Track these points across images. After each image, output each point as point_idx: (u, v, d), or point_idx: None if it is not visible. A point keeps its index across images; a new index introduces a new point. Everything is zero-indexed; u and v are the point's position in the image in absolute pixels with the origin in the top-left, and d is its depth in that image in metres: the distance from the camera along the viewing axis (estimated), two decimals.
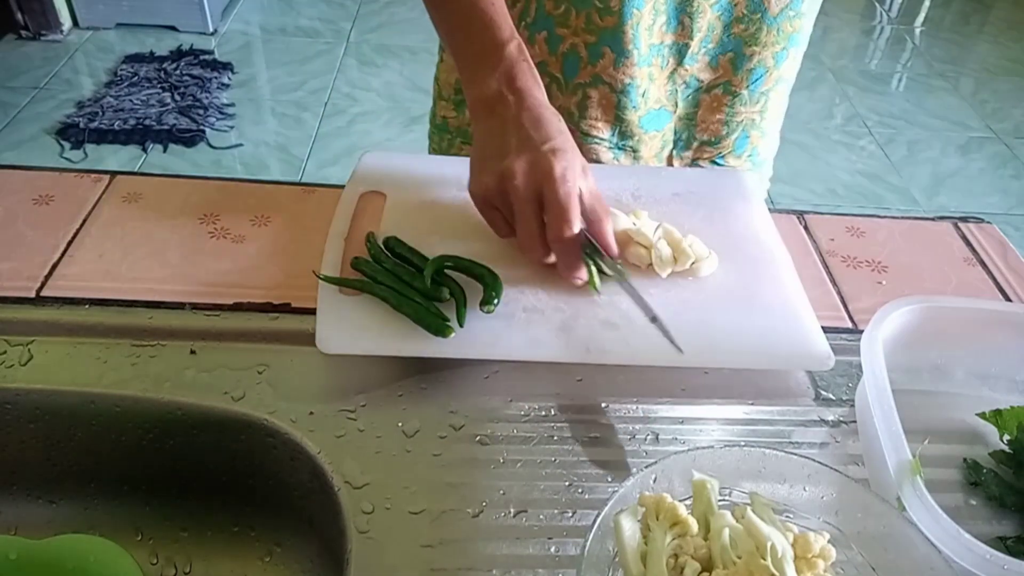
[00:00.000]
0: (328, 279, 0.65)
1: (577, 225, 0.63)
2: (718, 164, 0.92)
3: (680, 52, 0.81)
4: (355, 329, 0.62)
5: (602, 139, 0.87)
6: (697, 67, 0.83)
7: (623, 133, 0.87)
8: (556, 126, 0.66)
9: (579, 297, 0.67)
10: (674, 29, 0.80)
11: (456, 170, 0.77)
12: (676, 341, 0.62)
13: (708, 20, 0.79)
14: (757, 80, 0.85)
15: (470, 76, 0.70)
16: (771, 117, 0.91)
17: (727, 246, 0.73)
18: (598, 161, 0.88)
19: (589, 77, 0.83)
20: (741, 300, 0.68)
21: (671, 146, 0.90)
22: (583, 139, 0.87)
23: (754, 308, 0.68)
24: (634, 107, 0.84)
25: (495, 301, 0.64)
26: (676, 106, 0.86)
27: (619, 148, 0.88)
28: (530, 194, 0.63)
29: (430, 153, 0.99)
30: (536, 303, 0.66)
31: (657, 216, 0.74)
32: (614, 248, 0.66)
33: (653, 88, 0.84)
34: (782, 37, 0.82)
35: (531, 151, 0.63)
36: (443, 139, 0.95)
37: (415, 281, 0.65)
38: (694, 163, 0.92)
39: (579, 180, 0.64)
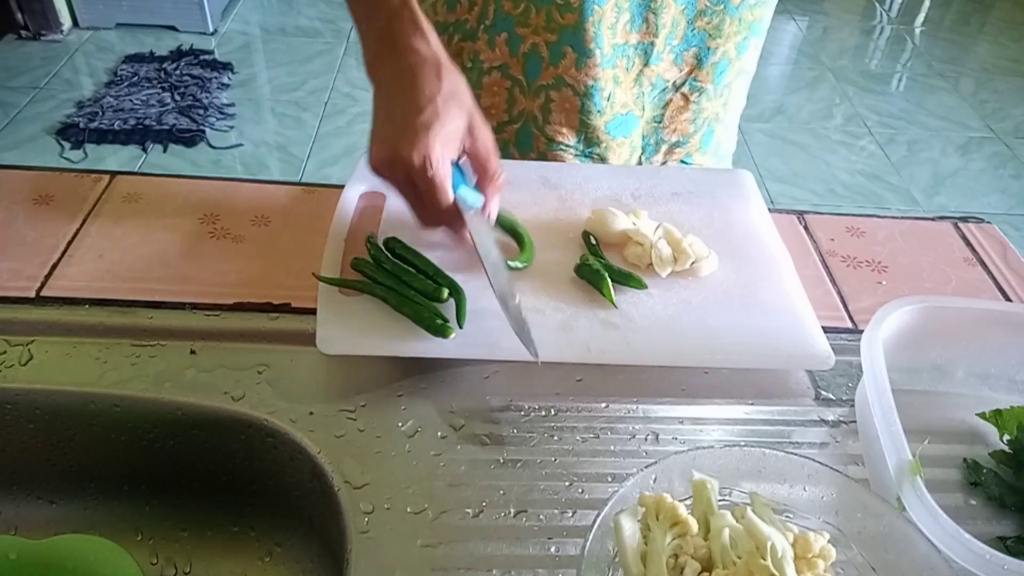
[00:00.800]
0: (327, 280, 0.65)
1: (446, 204, 0.61)
2: (686, 163, 0.91)
3: (646, 52, 0.80)
4: (355, 330, 0.62)
5: (568, 145, 0.86)
6: (663, 66, 0.82)
7: (589, 139, 0.86)
8: (430, 86, 0.61)
9: (578, 298, 0.67)
10: (639, 27, 0.79)
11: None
12: (532, 345, 0.60)
13: (672, 15, 0.78)
14: (721, 73, 0.84)
15: (362, 46, 0.66)
16: (732, 110, 0.90)
17: (727, 246, 0.73)
18: None
19: (552, 79, 0.81)
20: (741, 300, 0.68)
21: (639, 151, 0.89)
22: (548, 145, 0.86)
23: (754, 308, 0.68)
24: (599, 111, 0.83)
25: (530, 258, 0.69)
26: (643, 109, 0.85)
27: (586, 155, 0.87)
28: (401, 184, 0.62)
29: None
30: (536, 303, 0.66)
31: (657, 216, 0.75)
32: (492, 214, 0.66)
33: (619, 92, 0.83)
34: (743, 27, 0.81)
35: (398, 132, 0.59)
36: None
37: (415, 282, 0.65)
38: (663, 166, 0.91)
39: (452, 148, 0.61)
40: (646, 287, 0.68)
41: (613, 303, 0.66)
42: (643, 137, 0.88)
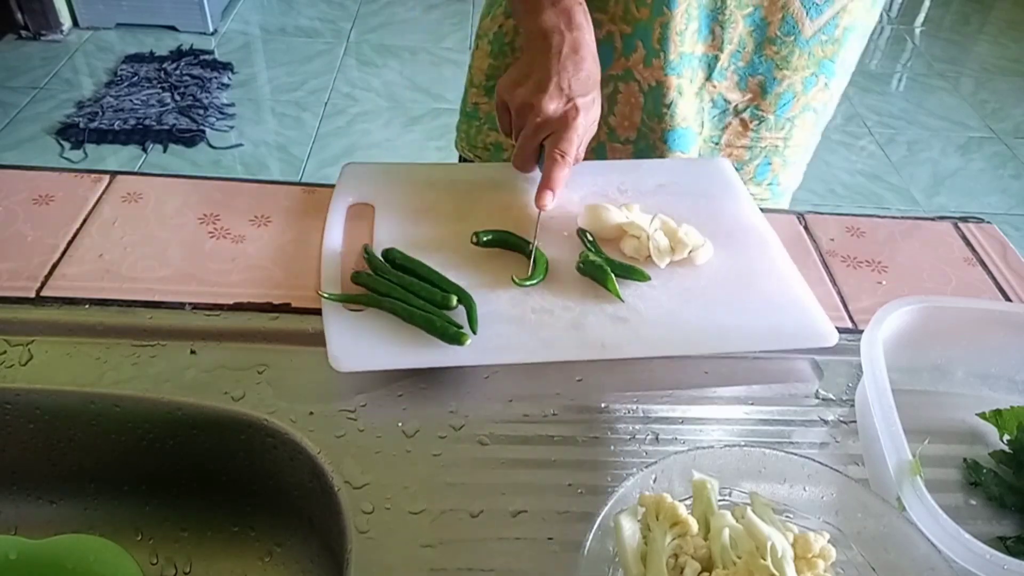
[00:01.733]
0: (334, 297, 0.64)
1: (569, 168, 0.71)
2: None
3: (709, 65, 0.81)
4: (367, 344, 0.61)
5: (627, 140, 0.86)
6: (725, 85, 0.82)
7: (647, 142, 0.86)
8: (593, 78, 0.72)
9: (584, 295, 0.67)
10: (705, 38, 0.79)
11: (442, 176, 0.78)
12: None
13: (739, 33, 0.79)
14: (785, 105, 0.84)
15: (530, 7, 0.74)
16: (795, 146, 0.89)
17: (718, 233, 0.74)
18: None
19: (621, 70, 0.83)
20: (740, 285, 0.70)
21: None
22: (608, 135, 0.87)
23: (754, 292, 0.69)
24: (658, 116, 0.83)
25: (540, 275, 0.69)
26: (702, 127, 0.86)
27: (641, 157, 0.87)
28: (544, 132, 0.71)
29: (457, 142, 0.99)
30: (543, 303, 0.66)
31: (646, 208, 0.75)
32: (547, 194, 0.71)
33: (682, 103, 0.83)
34: (812, 62, 0.81)
35: (562, 98, 0.70)
36: (471, 126, 0.95)
37: (422, 292, 0.64)
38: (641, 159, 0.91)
39: (585, 131, 0.71)
40: (649, 279, 0.68)
41: (619, 297, 0.66)
42: (698, 154, 0.88)
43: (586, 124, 0.71)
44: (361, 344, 0.61)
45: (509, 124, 0.75)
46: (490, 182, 0.79)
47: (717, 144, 0.88)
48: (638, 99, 0.84)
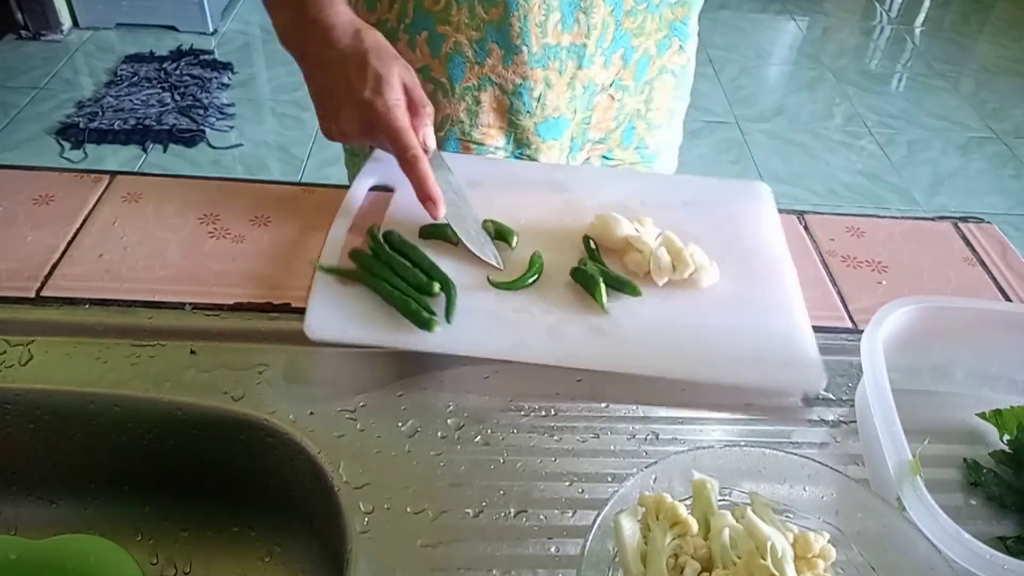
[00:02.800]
0: (326, 268, 0.67)
1: (423, 162, 0.68)
2: (607, 158, 0.90)
3: (579, 55, 0.79)
4: (344, 318, 0.63)
5: (497, 148, 0.85)
6: (594, 69, 0.81)
7: (519, 140, 0.85)
8: (361, 57, 0.68)
9: (570, 301, 0.67)
10: (570, 28, 0.77)
11: (466, 168, 0.78)
12: (493, 257, 0.69)
13: (602, 16, 0.77)
14: (642, 70, 0.84)
15: (281, 34, 0.73)
16: (658, 109, 0.89)
17: (732, 258, 0.72)
18: None
19: (477, 79, 0.80)
20: (739, 314, 0.67)
21: (568, 151, 0.89)
22: (477, 150, 0.85)
23: (750, 323, 0.66)
24: (528, 112, 0.82)
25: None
26: (575, 112, 0.85)
27: (515, 157, 0.86)
28: (379, 142, 0.70)
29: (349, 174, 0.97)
30: (526, 304, 0.66)
31: (663, 224, 0.73)
32: (430, 142, 0.71)
33: (551, 94, 0.81)
34: (664, 24, 0.81)
35: (360, 104, 0.67)
36: (355, 164, 0.93)
37: (408, 274, 0.66)
38: (585, 162, 0.90)
39: (399, 93, 0.68)
40: (640, 294, 0.67)
41: (603, 308, 0.66)
42: (571, 138, 0.87)
43: (398, 98, 0.67)
44: (337, 316, 0.64)
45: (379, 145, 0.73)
46: (512, 178, 0.80)
47: (587, 124, 0.87)
48: (502, 103, 0.82)
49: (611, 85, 0.84)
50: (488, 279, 0.67)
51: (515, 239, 0.71)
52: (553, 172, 0.81)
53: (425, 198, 0.68)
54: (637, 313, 0.67)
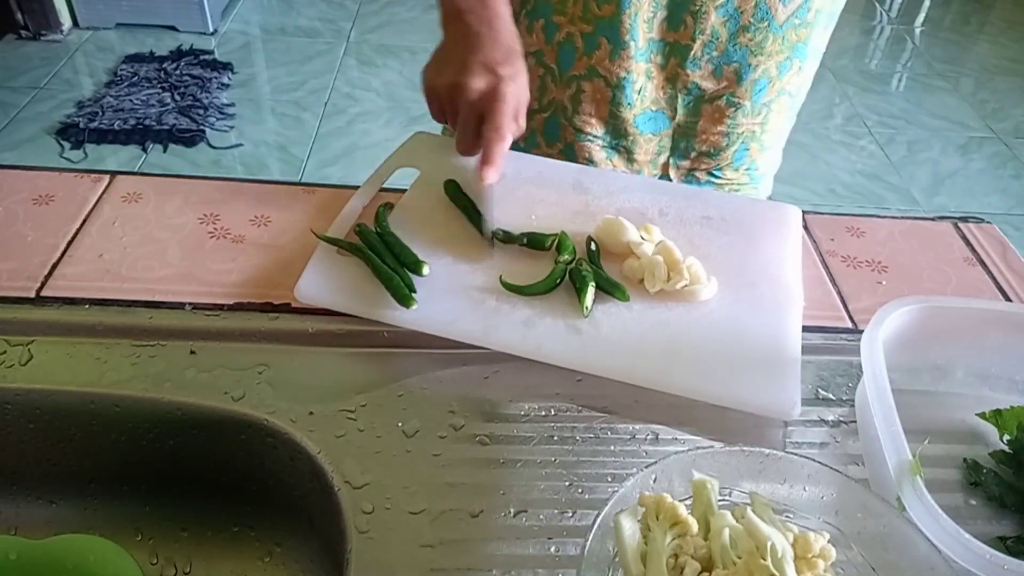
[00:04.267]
0: (323, 237, 0.70)
1: (508, 141, 0.71)
2: (715, 176, 0.91)
3: (682, 54, 0.81)
4: (331, 286, 0.67)
5: (595, 136, 0.87)
6: (700, 74, 0.82)
7: (616, 131, 0.86)
8: (515, 50, 0.73)
9: (554, 298, 0.67)
10: (676, 27, 0.79)
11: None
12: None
13: (712, 23, 0.78)
14: (760, 91, 0.84)
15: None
16: (772, 131, 0.89)
17: (737, 278, 0.70)
18: (591, 160, 0.87)
19: (584, 69, 0.82)
20: (727, 333, 0.65)
21: (668, 153, 0.89)
22: (576, 136, 0.87)
23: (734, 344, 0.64)
24: (629, 104, 0.83)
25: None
26: (675, 112, 0.86)
27: (612, 148, 0.88)
28: (478, 110, 0.71)
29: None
30: (510, 294, 0.67)
31: (674, 236, 0.73)
32: (490, 169, 0.71)
33: (650, 87, 0.83)
34: (787, 46, 0.81)
35: (487, 72, 0.71)
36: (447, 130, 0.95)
37: (402, 253, 0.68)
38: (690, 173, 0.91)
39: (516, 100, 0.72)
40: (628, 299, 0.67)
41: (584, 309, 0.65)
42: (673, 139, 0.88)
43: (516, 93, 0.71)
44: (325, 284, 0.67)
45: (440, 110, 0.76)
46: (538, 175, 0.81)
47: (692, 130, 0.87)
48: (605, 94, 0.83)
49: (721, 98, 0.84)
50: (500, 279, 0.67)
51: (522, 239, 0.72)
52: (578, 173, 0.82)
53: (487, 163, 0.70)
54: (619, 317, 0.66)
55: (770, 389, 0.62)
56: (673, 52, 0.81)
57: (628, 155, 0.88)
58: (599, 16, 0.78)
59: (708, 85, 0.83)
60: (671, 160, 0.90)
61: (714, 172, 0.91)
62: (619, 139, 0.87)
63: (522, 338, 0.64)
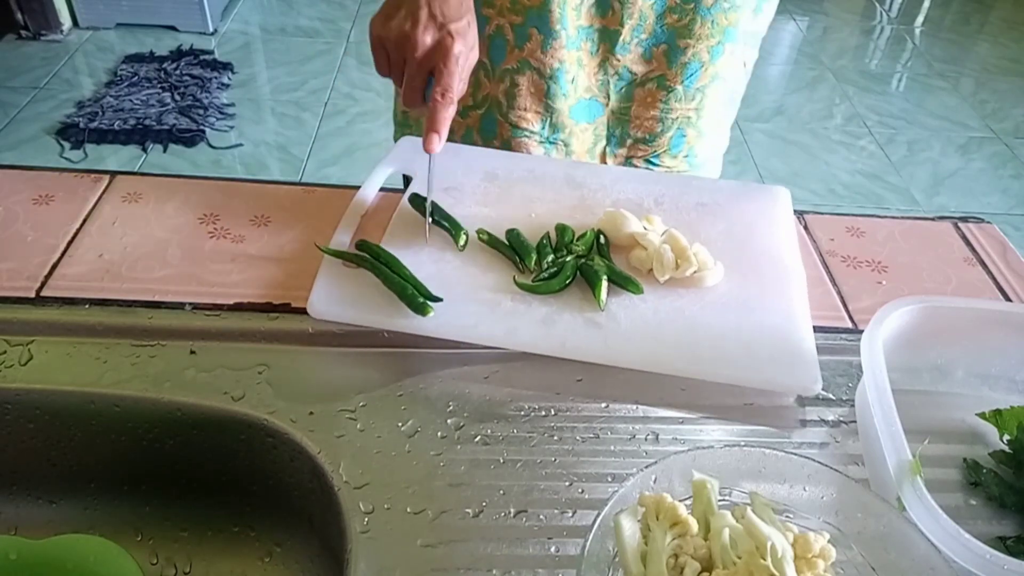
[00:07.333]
0: (328, 251, 0.69)
1: (454, 107, 0.68)
2: (653, 163, 0.91)
3: (611, 39, 0.80)
4: (343, 300, 0.65)
5: (532, 132, 0.86)
6: (630, 58, 0.82)
7: (553, 125, 0.86)
8: (465, 3, 0.70)
9: (570, 294, 0.67)
10: (604, 13, 0.79)
11: (484, 161, 0.80)
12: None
13: (639, 7, 0.78)
14: (692, 75, 0.84)
15: None
16: (709, 117, 0.89)
17: (740, 261, 0.71)
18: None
19: (516, 62, 0.82)
20: (740, 315, 0.67)
21: (604, 142, 0.89)
22: (512, 132, 0.86)
23: (748, 325, 0.66)
24: (564, 94, 0.83)
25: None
26: (608, 98, 0.85)
27: (550, 142, 0.87)
28: (426, 66, 0.69)
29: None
30: (526, 294, 0.67)
31: (674, 223, 0.74)
32: (434, 137, 0.68)
33: (583, 75, 0.83)
34: (717, 30, 0.81)
35: (435, 26, 0.68)
36: (404, 134, 0.93)
37: (405, 289, 0.66)
38: (628, 161, 0.91)
39: (465, 59, 0.69)
40: (642, 292, 0.68)
41: (600, 303, 0.66)
42: (608, 127, 0.88)
43: (464, 50, 0.69)
44: (337, 297, 0.66)
45: (387, 62, 0.73)
46: (529, 172, 0.81)
47: (626, 116, 0.87)
48: (540, 86, 0.83)
49: (652, 81, 0.84)
50: (514, 279, 0.68)
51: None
52: (570, 168, 0.82)
53: (432, 130, 0.68)
54: (636, 310, 0.67)
55: (791, 367, 0.63)
56: (603, 38, 0.81)
57: (566, 148, 0.88)
58: (528, 6, 0.78)
59: (638, 68, 0.83)
60: (607, 148, 0.90)
61: (651, 159, 0.90)
62: (556, 132, 0.87)
63: (545, 336, 0.64)
